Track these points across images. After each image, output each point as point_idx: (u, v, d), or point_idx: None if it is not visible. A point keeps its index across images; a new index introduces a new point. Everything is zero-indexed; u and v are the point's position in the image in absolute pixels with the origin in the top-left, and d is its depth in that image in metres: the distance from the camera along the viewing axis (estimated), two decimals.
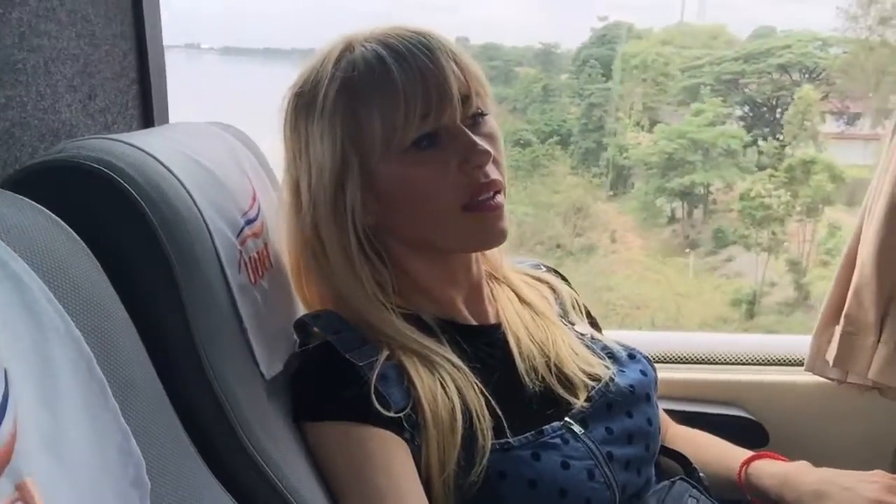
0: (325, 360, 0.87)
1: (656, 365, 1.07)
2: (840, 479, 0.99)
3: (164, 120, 1.13)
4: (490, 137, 0.90)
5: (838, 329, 1.33)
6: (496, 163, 0.90)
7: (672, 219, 7.90)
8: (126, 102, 1.03)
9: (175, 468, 0.61)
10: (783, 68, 7.49)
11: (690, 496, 0.97)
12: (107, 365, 0.54)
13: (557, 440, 0.87)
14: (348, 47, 0.89)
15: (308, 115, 0.89)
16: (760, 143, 7.64)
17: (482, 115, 0.91)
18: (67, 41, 0.89)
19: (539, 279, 1.11)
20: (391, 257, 0.94)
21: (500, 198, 0.90)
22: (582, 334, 1.04)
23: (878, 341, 1.29)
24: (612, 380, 0.96)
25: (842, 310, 1.33)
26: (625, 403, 0.95)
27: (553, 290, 1.10)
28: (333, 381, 0.85)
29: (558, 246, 7.37)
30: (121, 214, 0.67)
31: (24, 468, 0.42)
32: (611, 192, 8.04)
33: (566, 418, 0.91)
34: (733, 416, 1.38)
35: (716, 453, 1.12)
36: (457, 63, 0.87)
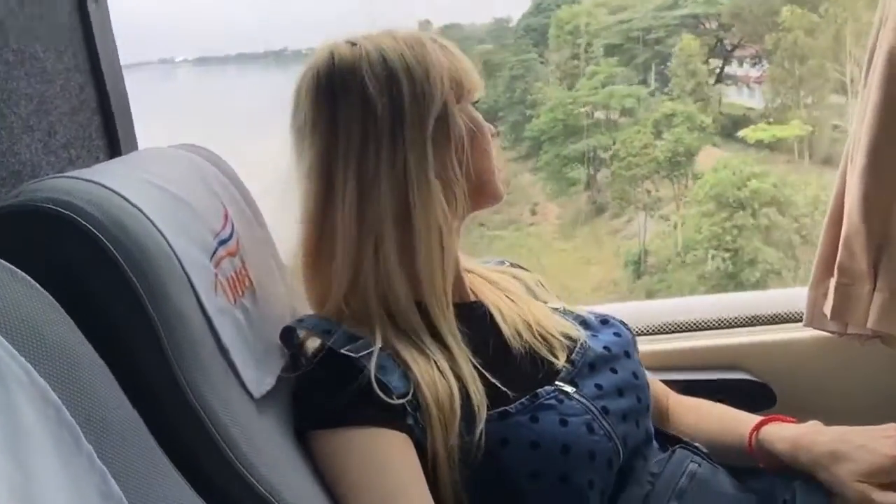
0: (321, 364, 0.88)
1: (653, 336, 1.08)
2: (853, 436, 0.98)
3: (132, 146, 1.12)
4: None
5: (833, 281, 1.32)
6: None
7: (588, 185, 7.97)
8: (89, 134, 1.02)
9: (161, 498, 0.60)
10: (685, 19, 7.46)
11: (692, 461, 0.98)
12: (78, 409, 0.54)
13: (552, 401, 0.90)
14: (358, 41, 0.94)
15: (354, 86, 0.91)
16: (655, 98, 7.67)
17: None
18: (17, 81, 0.87)
19: (503, 272, 1.14)
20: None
21: None
22: (555, 308, 1.07)
23: (874, 289, 1.28)
24: (585, 343, 0.99)
25: (834, 262, 1.32)
26: (606, 362, 0.99)
27: (516, 278, 1.13)
28: (334, 383, 0.86)
29: (481, 224, 7.43)
30: (84, 254, 0.67)
31: None
32: (536, 164, 8.10)
33: (556, 382, 0.93)
34: (738, 380, 1.36)
35: (722, 421, 1.12)
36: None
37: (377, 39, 0.94)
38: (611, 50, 7.66)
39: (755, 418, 1.08)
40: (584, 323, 1.05)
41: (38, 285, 0.57)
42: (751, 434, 1.05)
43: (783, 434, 1.03)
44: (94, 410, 0.56)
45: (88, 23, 1.03)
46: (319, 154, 0.93)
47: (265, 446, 0.78)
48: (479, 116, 0.99)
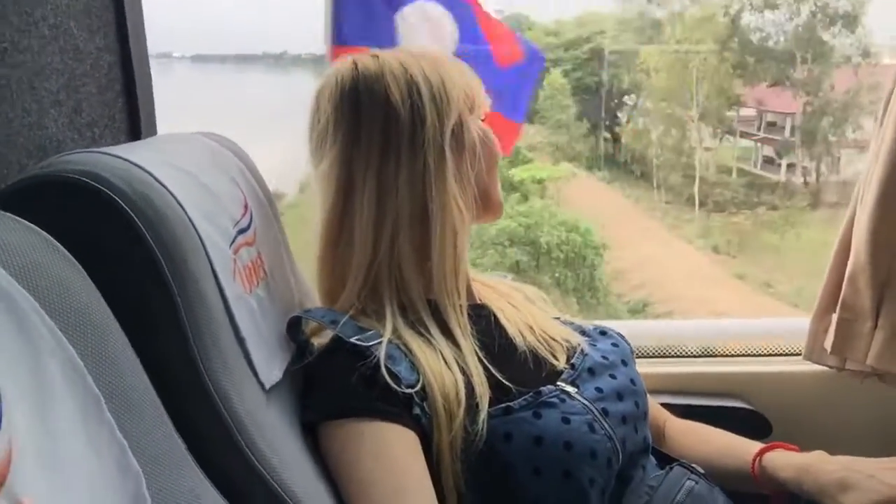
0: (328, 355, 0.90)
1: (654, 359, 1.09)
2: (861, 466, 0.98)
3: (152, 132, 1.12)
4: None
5: (835, 316, 1.33)
6: None
7: None
8: (113, 115, 1.03)
9: (174, 481, 0.60)
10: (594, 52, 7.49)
11: (689, 479, 0.99)
12: (102, 380, 0.54)
13: (555, 399, 0.91)
14: (379, 54, 0.99)
15: (378, 94, 0.95)
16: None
17: None
18: (51, 56, 0.88)
19: (504, 284, 1.16)
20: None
21: None
22: (555, 317, 1.10)
23: (875, 327, 1.29)
24: (583, 350, 1.02)
25: (838, 297, 1.33)
26: (604, 369, 1.00)
27: (519, 291, 1.16)
28: (343, 374, 0.87)
29: None
30: (111, 226, 0.67)
31: (21, 488, 0.41)
32: None
33: (558, 383, 0.95)
34: (735, 408, 1.37)
35: (723, 446, 1.12)
36: None
37: (396, 54, 0.99)
38: None
39: (757, 444, 1.09)
40: (583, 332, 1.07)
41: (68, 253, 0.58)
42: (754, 459, 1.06)
43: (789, 461, 1.03)
44: (116, 384, 0.56)
45: (122, 6, 1.04)
46: (341, 156, 0.96)
47: (275, 439, 0.77)
48: (490, 131, 1.03)
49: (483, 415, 0.86)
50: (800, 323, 1.41)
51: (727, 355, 1.45)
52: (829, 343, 1.34)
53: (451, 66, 1.00)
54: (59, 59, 0.89)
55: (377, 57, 0.98)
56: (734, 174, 5.74)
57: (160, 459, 0.59)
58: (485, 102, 1.03)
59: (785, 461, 1.03)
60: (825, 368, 1.37)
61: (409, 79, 0.96)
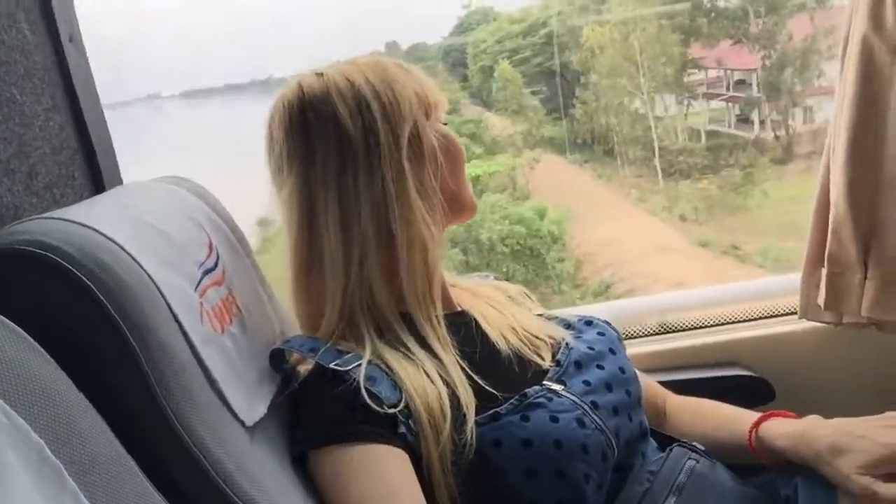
0: (311, 382, 0.91)
1: (648, 338, 1.08)
2: (853, 427, 0.97)
3: (116, 181, 1.12)
4: None
5: (824, 272, 1.32)
6: None
7: None
8: (72, 173, 1.03)
9: None
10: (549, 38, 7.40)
11: (689, 458, 0.98)
12: (63, 448, 0.54)
13: (542, 399, 0.91)
14: (324, 71, 0.98)
15: (326, 115, 0.94)
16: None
17: None
18: None
19: (486, 285, 1.16)
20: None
21: None
22: (538, 314, 1.10)
23: (866, 277, 1.28)
24: (569, 343, 1.02)
25: (823, 252, 1.32)
26: (591, 360, 1.00)
27: (502, 290, 1.15)
28: (325, 401, 0.87)
29: None
30: (61, 292, 0.67)
31: None
32: None
33: (544, 382, 0.94)
34: (736, 376, 1.36)
35: (720, 419, 1.11)
36: None
37: (341, 68, 0.97)
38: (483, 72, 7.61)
39: (754, 415, 1.07)
40: (568, 326, 1.07)
41: (19, 328, 0.58)
42: (750, 431, 1.05)
43: (783, 430, 1.02)
44: (79, 450, 0.56)
45: (65, 63, 1.04)
46: (298, 183, 0.95)
47: (261, 476, 0.77)
48: (450, 132, 1.01)
49: (470, 425, 0.86)
50: (791, 280, 1.40)
51: (721, 324, 1.44)
52: (821, 299, 1.33)
53: (399, 71, 0.98)
54: (5, 128, 0.90)
55: (321, 75, 0.97)
56: (703, 138, 5.69)
57: None
58: (441, 101, 1.01)
59: (780, 430, 1.02)
60: (822, 325, 1.36)
61: (356, 94, 0.94)
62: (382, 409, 0.85)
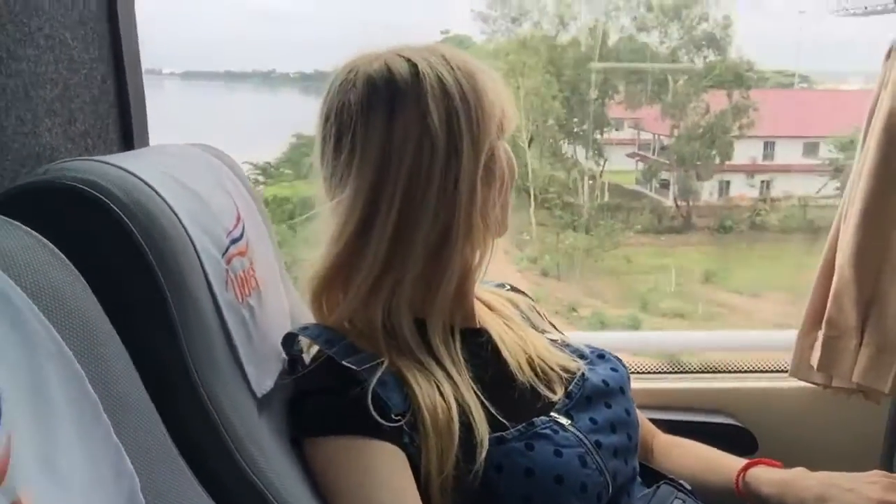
0: (319, 372, 0.88)
1: (641, 375, 1.09)
2: (841, 481, 1.00)
3: (144, 143, 1.12)
4: None
5: (821, 333, 1.35)
6: None
7: None
8: (106, 126, 1.03)
9: (168, 486, 0.60)
10: None
11: (676, 497, 0.99)
12: (98, 384, 0.54)
13: (548, 430, 0.89)
14: (411, 57, 0.89)
15: (416, 112, 0.86)
16: None
17: None
18: (46, 66, 0.88)
19: (500, 295, 1.13)
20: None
21: None
22: (553, 340, 1.07)
23: (861, 344, 1.31)
24: (584, 375, 0.99)
25: (823, 314, 1.35)
26: (602, 396, 0.98)
27: (514, 304, 1.13)
28: (330, 393, 0.86)
29: None
30: (108, 234, 0.67)
31: (20, 485, 0.41)
32: None
33: (552, 413, 0.93)
34: (721, 424, 1.39)
35: (708, 461, 1.13)
36: None
37: (430, 60, 0.88)
38: None
39: (741, 460, 1.10)
40: (582, 356, 1.04)
41: (66, 259, 0.58)
42: (738, 475, 1.07)
43: (771, 477, 1.05)
44: (112, 388, 0.56)
45: (116, 18, 1.04)
46: (371, 180, 0.87)
47: (267, 446, 0.78)
48: (510, 151, 0.96)
49: (483, 455, 0.83)
50: (785, 336, 1.43)
51: (714, 371, 1.46)
52: (815, 360, 1.35)
53: (487, 80, 0.90)
54: (55, 69, 0.90)
55: (409, 60, 0.88)
56: (607, 195, 5.74)
57: (153, 463, 0.59)
58: (514, 118, 0.94)
59: (767, 477, 1.05)
60: (811, 385, 1.39)
61: (447, 96, 0.86)
62: (386, 420, 0.82)
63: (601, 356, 1.06)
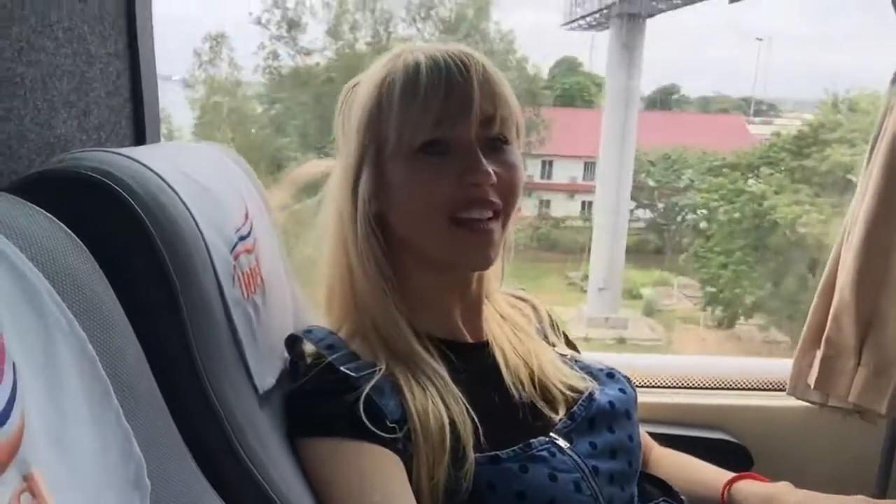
0: (319, 375, 0.89)
1: (641, 389, 1.09)
2: (822, 501, 1.01)
3: (156, 139, 1.13)
4: (505, 165, 0.91)
5: (819, 353, 1.36)
6: (503, 191, 0.91)
7: None
8: (119, 121, 1.04)
9: (173, 473, 0.61)
10: None
11: None
12: (109, 368, 0.54)
13: (545, 453, 0.88)
14: (401, 53, 0.92)
15: (350, 106, 0.95)
16: None
17: (504, 141, 0.93)
18: (64, 58, 0.89)
19: (522, 299, 1.14)
20: (397, 263, 0.95)
21: (492, 224, 0.91)
22: (563, 355, 1.06)
23: (858, 364, 1.31)
24: (592, 395, 0.98)
25: (822, 334, 1.35)
26: (606, 419, 0.97)
27: (535, 309, 1.13)
28: (328, 395, 0.86)
29: None
30: (120, 224, 0.68)
31: (32, 459, 0.42)
32: None
33: (551, 434, 0.92)
34: (717, 440, 1.39)
35: (699, 474, 1.13)
36: (489, 85, 0.90)
37: None
38: None
39: (729, 474, 1.10)
40: (591, 374, 1.03)
41: (81, 243, 0.59)
42: (724, 488, 1.07)
43: (755, 490, 1.05)
44: (122, 374, 0.56)
45: (133, 14, 1.06)
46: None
47: (267, 441, 0.78)
48: None
49: (468, 462, 0.84)
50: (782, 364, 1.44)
51: (711, 388, 1.47)
52: (812, 379, 1.36)
53: None
54: (72, 62, 0.91)
55: None
56: None
57: (159, 450, 0.59)
58: None
59: (751, 491, 1.05)
60: (807, 403, 1.40)
61: (363, 106, 0.95)
62: (384, 421, 0.83)
63: (610, 375, 1.05)
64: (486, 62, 0.91)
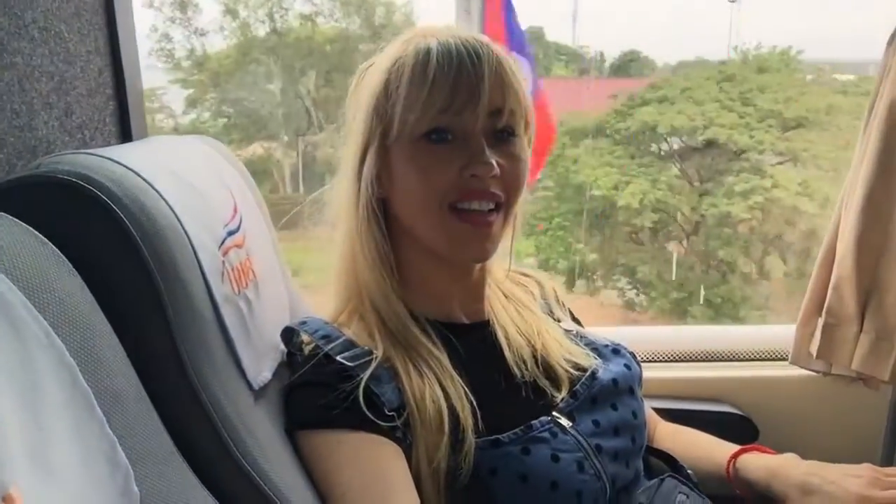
0: (315, 367, 0.88)
1: (644, 364, 1.08)
2: (826, 472, 1.00)
3: (143, 135, 1.12)
4: (510, 157, 0.91)
5: (820, 321, 1.35)
6: (506, 184, 0.90)
7: None
8: (103, 118, 1.03)
9: (163, 476, 0.60)
10: None
11: (680, 492, 0.97)
12: (91, 377, 0.54)
13: (546, 434, 0.88)
14: (413, 37, 0.92)
15: (361, 88, 0.95)
16: None
17: (511, 133, 0.92)
18: (41, 58, 0.88)
19: (526, 275, 1.13)
20: (398, 247, 0.96)
21: (492, 217, 0.90)
22: (567, 330, 1.05)
23: (860, 332, 1.30)
24: (595, 373, 0.97)
25: (823, 302, 1.34)
26: (609, 396, 0.96)
27: (540, 285, 1.12)
28: (325, 387, 0.86)
29: None
30: (101, 228, 0.67)
31: (9, 477, 0.41)
32: None
33: (553, 413, 0.91)
34: (722, 413, 1.39)
35: (704, 449, 1.13)
36: (500, 76, 0.89)
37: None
38: None
39: (734, 447, 1.10)
40: (596, 350, 1.02)
41: (62, 255, 0.58)
42: (729, 461, 1.07)
43: (759, 463, 1.05)
44: (105, 382, 0.56)
45: (112, 10, 1.04)
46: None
47: (264, 438, 0.78)
48: None
49: (467, 447, 0.84)
50: (785, 331, 1.43)
51: (715, 360, 1.46)
52: (814, 348, 1.35)
53: None
54: (50, 62, 0.90)
55: None
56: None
57: (148, 456, 0.59)
58: None
59: (756, 463, 1.05)
60: (811, 373, 1.39)
61: (371, 88, 0.95)
62: (383, 410, 0.83)
63: (616, 351, 1.04)
64: (500, 52, 0.90)
